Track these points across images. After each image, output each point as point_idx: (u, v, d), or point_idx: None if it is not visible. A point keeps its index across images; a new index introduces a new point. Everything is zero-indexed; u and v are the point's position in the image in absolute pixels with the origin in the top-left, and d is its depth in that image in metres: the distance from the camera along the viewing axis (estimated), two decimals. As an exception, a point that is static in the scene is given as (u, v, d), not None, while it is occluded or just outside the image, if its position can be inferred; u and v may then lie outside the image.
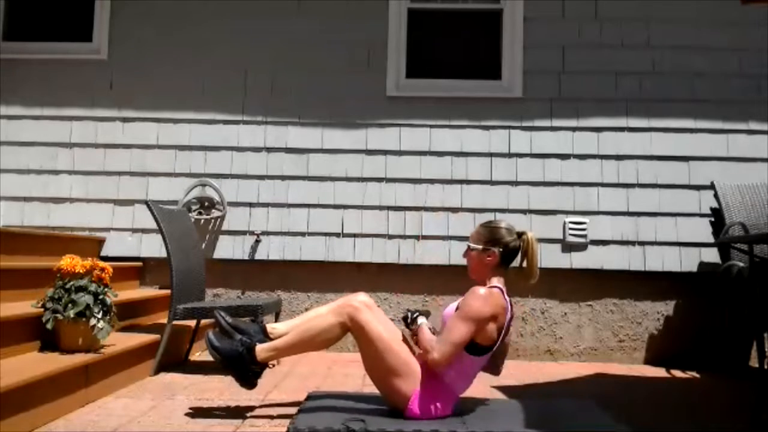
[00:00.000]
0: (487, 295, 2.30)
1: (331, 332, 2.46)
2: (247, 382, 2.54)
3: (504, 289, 2.40)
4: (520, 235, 2.45)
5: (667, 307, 4.37)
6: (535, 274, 2.44)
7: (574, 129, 4.46)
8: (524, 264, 2.45)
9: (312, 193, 4.46)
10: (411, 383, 2.32)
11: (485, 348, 2.34)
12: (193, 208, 4.43)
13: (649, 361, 4.32)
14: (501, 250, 2.41)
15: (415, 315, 2.44)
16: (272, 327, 2.61)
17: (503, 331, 2.38)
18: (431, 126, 4.50)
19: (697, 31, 4.46)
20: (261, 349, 2.52)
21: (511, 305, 2.41)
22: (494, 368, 2.54)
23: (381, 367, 2.36)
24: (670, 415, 2.86)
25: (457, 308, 2.36)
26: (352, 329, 2.42)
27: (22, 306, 2.87)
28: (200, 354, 4.05)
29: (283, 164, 4.49)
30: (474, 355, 2.33)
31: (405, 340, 2.44)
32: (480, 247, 2.42)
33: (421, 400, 2.31)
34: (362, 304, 2.45)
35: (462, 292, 2.62)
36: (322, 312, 2.53)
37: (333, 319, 2.45)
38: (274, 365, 2.57)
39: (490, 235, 2.43)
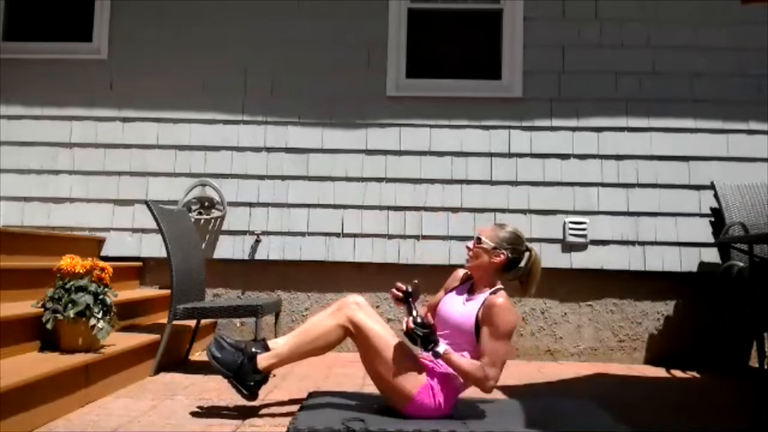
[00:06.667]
0: (510, 305, 2.32)
1: (331, 335, 2.46)
2: (249, 392, 2.51)
3: None
4: (527, 249, 2.50)
5: (667, 307, 4.37)
6: (531, 290, 2.49)
7: (574, 129, 4.46)
8: (525, 279, 2.49)
9: (312, 193, 4.46)
10: (413, 380, 2.32)
11: None
12: (193, 208, 4.43)
13: (649, 361, 4.32)
14: (509, 255, 2.44)
15: (426, 334, 2.25)
16: (274, 342, 2.58)
17: None
18: (431, 126, 4.50)
19: (697, 31, 4.46)
20: (263, 358, 2.51)
21: None
22: None
23: (382, 366, 2.36)
24: (670, 415, 2.86)
25: (477, 319, 2.34)
26: (351, 331, 2.42)
27: (22, 306, 2.87)
28: (200, 354, 4.05)
29: (283, 164, 4.49)
30: None
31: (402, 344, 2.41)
32: (492, 244, 2.43)
33: (425, 397, 2.32)
34: (358, 305, 2.47)
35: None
36: (320, 317, 2.54)
37: (332, 322, 2.46)
38: (275, 374, 2.56)
39: (505, 237, 2.46)
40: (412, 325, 2.25)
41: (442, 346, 2.27)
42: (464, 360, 2.30)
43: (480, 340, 2.30)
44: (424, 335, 2.24)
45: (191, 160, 4.51)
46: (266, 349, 2.55)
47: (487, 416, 2.41)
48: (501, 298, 2.31)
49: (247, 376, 2.49)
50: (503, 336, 2.27)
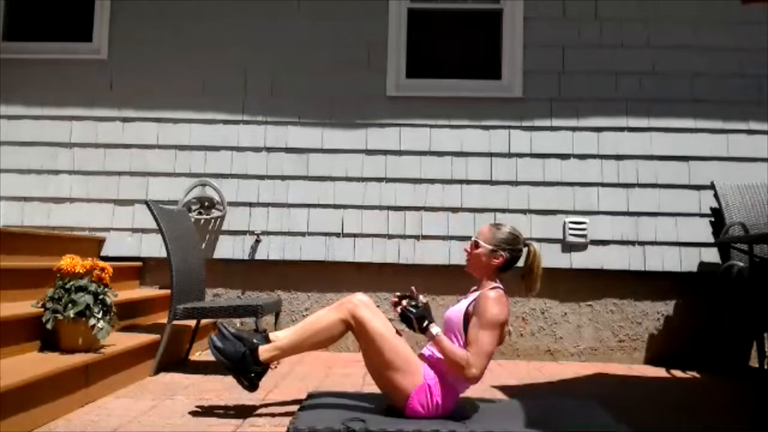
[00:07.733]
0: (501, 299, 2.34)
1: (333, 329, 2.48)
2: (250, 384, 2.54)
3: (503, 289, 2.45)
4: (526, 245, 2.51)
5: (667, 307, 4.37)
6: (536, 286, 2.48)
7: (574, 129, 4.46)
8: (528, 275, 2.48)
9: (312, 193, 4.46)
10: (411, 379, 2.33)
11: None
12: (193, 208, 4.43)
13: (649, 361, 4.32)
14: (508, 255, 2.46)
15: (419, 313, 2.34)
16: (274, 335, 2.60)
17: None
18: (431, 126, 4.50)
19: (697, 31, 4.46)
20: (264, 350, 2.53)
21: None
22: None
23: (381, 364, 2.37)
24: (670, 415, 2.86)
25: (467, 314, 2.36)
26: (353, 325, 2.44)
27: (22, 306, 2.87)
28: (200, 354, 4.05)
29: (283, 164, 4.49)
30: None
31: (399, 332, 2.45)
32: (490, 247, 2.45)
33: (422, 397, 2.32)
34: (361, 302, 2.48)
35: (462, 291, 2.63)
36: (323, 312, 2.55)
37: (335, 316, 2.48)
38: (276, 366, 2.57)
39: (503, 238, 2.47)
40: (404, 303, 2.35)
41: (436, 328, 2.32)
42: (453, 345, 2.32)
43: (468, 331, 2.33)
44: (418, 313, 2.33)
45: (191, 160, 4.51)
46: (267, 341, 2.57)
47: (487, 416, 2.41)
48: (493, 292, 2.34)
49: (248, 367, 2.51)
50: (487, 326, 2.29)
